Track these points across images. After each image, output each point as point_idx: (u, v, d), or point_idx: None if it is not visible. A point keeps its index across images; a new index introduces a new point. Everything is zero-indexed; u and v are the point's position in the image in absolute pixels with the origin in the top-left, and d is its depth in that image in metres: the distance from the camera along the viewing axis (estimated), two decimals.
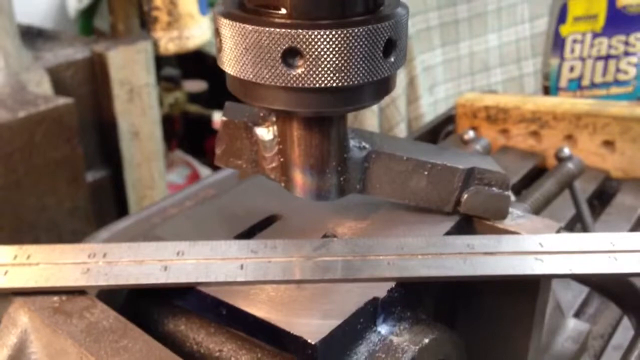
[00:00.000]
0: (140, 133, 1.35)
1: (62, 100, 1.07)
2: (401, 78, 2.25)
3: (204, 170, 2.17)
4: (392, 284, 0.48)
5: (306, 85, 0.44)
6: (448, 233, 0.54)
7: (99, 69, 1.25)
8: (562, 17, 1.45)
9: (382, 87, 0.47)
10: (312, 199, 0.52)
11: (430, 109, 2.35)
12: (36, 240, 1.06)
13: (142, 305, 0.52)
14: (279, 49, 0.43)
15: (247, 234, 0.55)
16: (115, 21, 1.30)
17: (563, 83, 1.49)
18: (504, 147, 1.22)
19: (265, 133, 0.52)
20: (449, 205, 0.55)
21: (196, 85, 2.34)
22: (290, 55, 0.43)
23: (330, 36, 0.43)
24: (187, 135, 2.27)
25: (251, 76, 0.45)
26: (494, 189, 0.55)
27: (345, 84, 0.44)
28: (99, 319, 0.45)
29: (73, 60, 1.23)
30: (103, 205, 1.28)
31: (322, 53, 0.43)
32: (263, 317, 0.45)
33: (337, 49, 0.43)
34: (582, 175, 0.96)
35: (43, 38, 1.31)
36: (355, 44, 0.43)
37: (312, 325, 0.44)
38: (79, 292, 0.47)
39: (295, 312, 0.45)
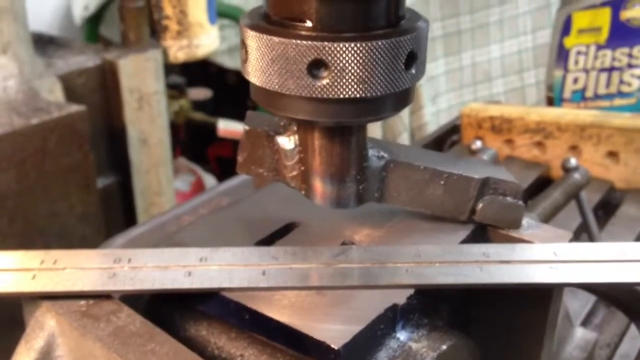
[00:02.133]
0: (148, 140, 1.36)
1: (75, 108, 1.08)
2: None
3: (208, 178, 2.19)
4: (411, 291, 0.49)
5: (330, 95, 0.45)
6: (464, 241, 0.56)
7: (109, 76, 1.26)
8: (566, 29, 1.47)
9: (402, 98, 0.49)
10: (331, 207, 0.53)
11: (432, 119, 2.36)
12: (47, 246, 1.07)
13: (164, 309, 0.53)
14: (305, 60, 0.44)
15: (267, 240, 0.56)
16: (126, 30, 1.31)
17: (567, 94, 1.50)
18: (509, 157, 1.23)
19: (286, 142, 0.53)
20: (464, 214, 0.57)
21: (201, 93, 2.36)
22: (316, 66, 0.45)
23: (355, 48, 0.44)
24: (192, 142, 2.28)
25: (277, 87, 0.46)
26: (508, 198, 0.56)
27: (368, 95, 0.45)
28: (126, 323, 0.46)
29: (84, 68, 1.24)
30: (111, 211, 1.29)
31: (347, 65, 0.44)
32: (286, 322, 0.46)
33: (361, 60, 0.44)
34: (588, 185, 0.97)
35: (54, 45, 1.32)
36: (379, 56, 0.45)
37: (334, 331, 0.45)
38: (105, 296, 0.49)
39: (317, 317, 0.47)
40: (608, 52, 1.41)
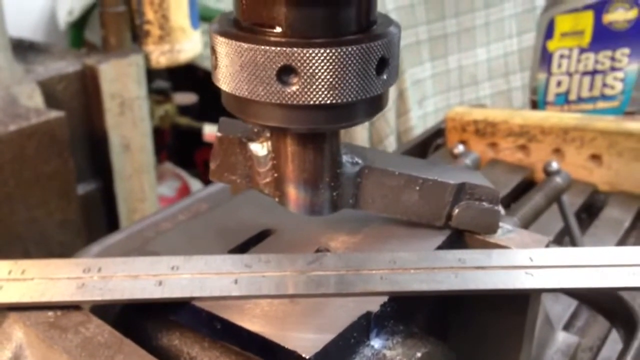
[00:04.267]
0: (131, 145, 1.35)
1: (54, 114, 1.07)
2: (391, 91, 2.27)
3: (194, 183, 2.17)
4: (385, 298, 0.48)
5: (301, 102, 0.45)
6: (439, 247, 0.55)
7: (90, 82, 1.25)
8: (549, 32, 1.47)
9: (375, 104, 0.48)
10: (305, 213, 0.53)
11: (419, 122, 2.37)
12: (25, 252, 1.06)
13: (136, 319, 0.52)
14: (274, 66, 0.44)
15: (241, 248, 0.55)
16: (107, 35, 1.30)
17: (550, 97, 1.51)
18: (493, 161, 1.23)
19: (259, 149, 0.52)
20: (440, 220, 0.56)
21: (186, 98, 2.35)
22: (285, 73, 0.44)
23: (325, 54, 0.43)
24: (177, 147, 2.27)
25: (246, 93, 0.45)
26: (484, 203, 0.56)
27: (339, 101, 0.45)
28: (94, 334, 0.45)
29: (64, 73, 1.23)
30: (93, 217, 1.28)
31: (317, 71, 0.44)
32: (257, 332, 0.45)
33: (331, 67, 0.44)
34: (570, 188, 0.97)
35: (34, 51, 1.31)
36: (349, 62, 0.44)
37: (306, 340, 0.44)
38: (74, 307, 0.48)
39: (289, 326, 0.46)
40: (591, 55, 1.41)
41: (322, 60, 0.44)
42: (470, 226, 0.57)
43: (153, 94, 2.02)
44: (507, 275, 0.51)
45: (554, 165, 0.96)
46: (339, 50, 0.44)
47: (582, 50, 1.42)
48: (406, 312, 0.51)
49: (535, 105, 1.52)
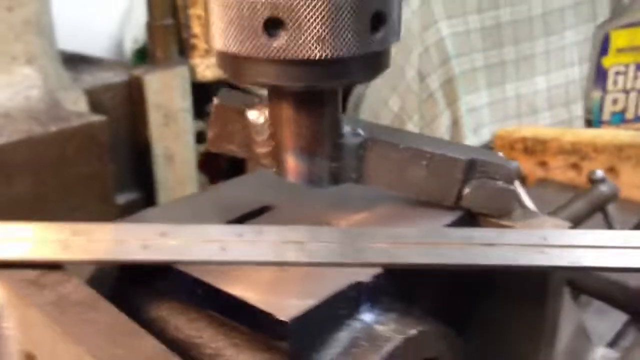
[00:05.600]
0: (174, 157, 1.36)
1: (95, 117, 1.09)
2: (444, 118, 2.24)
3: None
4: (380, 270, 0.45)
5: (288, 56, 0.43)
6: (448, 227, 0.51)
7: (136, 92, 1.27)
8: (604, 48, 1.42)
9: (372, 63, 0.46)
10: (304, 183, 0.50)
11: None
12: None
13: (128, 291, 0.51)
14: (259, 18, 0.42)
15: (238, 222, 0.53)
16: (154, 47, 1.33)
17: (606, 116, 1.44)
18: (543, 180, 1.18)
19: (256, 116, 0.51)
20: (450, 198, 0.52)
21: None
22: (273, 25, 0.42)
23: (312, 5, 0.42)
24: (230, 172, 2.29)
25: (234, 49, 0.44)
26: (498, 182, 0.52)
27: (329, 55, 0.43)
28: (69, 292, 0.44)
29: (111, 83, 1.26)
30: None
31: (305, 23, 0.42)
32: (237, 295, 0.43)
33: (319, 18, 0.42)
34: (617, 201, 0.91)
35: (86, 63, 1.35)
36: (339, 14, 0.42)
37: (287, 305, 0.41)
38: (57, 267, 0.47)
39: (273, 292, 0.43)
40: None
41: (310, 11, 0.42)
42: (482, 207, 0.53)
43: (206, 118, 2.05)
44: (518, 254, 0.46)
45: (599, 173, 0.91)
46: (328, 1, 0.42)
47: None
48: (405, 291, 0.48)
49: (589, 124, 1.45)
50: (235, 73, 0.46)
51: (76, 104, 1.16)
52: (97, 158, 1.10)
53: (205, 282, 0.45)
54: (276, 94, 0.48)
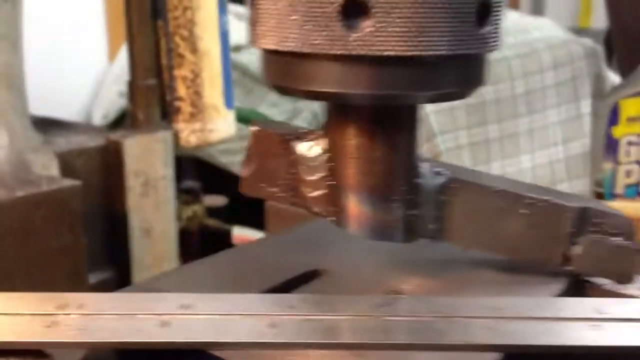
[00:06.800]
0: (152, 231, 1.22)
1: (68, 182, 0.96)
2: None
3: None
4: (495, 356, 0.32)
5: (371, 51, 0.31)
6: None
7: (113, 157, 1.15)
8: (613, 118, 1.35)
9: (468, 71, 0.35)
10: (371, 236, 0.38)
11: None
12: None
13: None
14: (336, 2, 0.31)
15: (279, 291, 0.40)
16: (135, 109, 1.21)
17: (619, 189, 1.36)
18: None
19: (308, 148, 0.39)
20: (556, 259, 0.40)
21: (216, 200, 2.26)
22: (352, 11, 0.31)
23: None
24: (205, 249, 2.14)
25: (299, 44, 0.32)
26: (618, 239, 0.40)
27: (423, 52, 0.31)
28: None
29: (85, 147, 1.13)
30: None
31: (394, 8, 0.31)
32: None
33: (415, 4, 0.31)
34: None
35: (58, 127, 1.23)
36: None
37: None
38: (39, 353, 0.32)
39: None
40: None
41: None
42: (597, 271, 0.41)
43: (182, 194, 1.92)
44: None
45: None
46: None
47: None
48: None
49: (601, 198, 1.36)
50: (287, 78, 0.34)
51: (47, 169, 1.02)
52: (69, 229, 0.96)
53: None
54: (341, 113, 0.36)
